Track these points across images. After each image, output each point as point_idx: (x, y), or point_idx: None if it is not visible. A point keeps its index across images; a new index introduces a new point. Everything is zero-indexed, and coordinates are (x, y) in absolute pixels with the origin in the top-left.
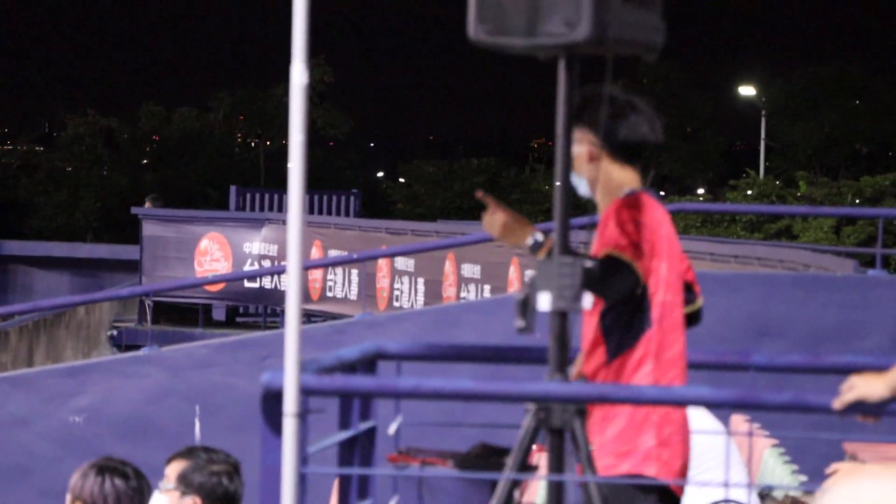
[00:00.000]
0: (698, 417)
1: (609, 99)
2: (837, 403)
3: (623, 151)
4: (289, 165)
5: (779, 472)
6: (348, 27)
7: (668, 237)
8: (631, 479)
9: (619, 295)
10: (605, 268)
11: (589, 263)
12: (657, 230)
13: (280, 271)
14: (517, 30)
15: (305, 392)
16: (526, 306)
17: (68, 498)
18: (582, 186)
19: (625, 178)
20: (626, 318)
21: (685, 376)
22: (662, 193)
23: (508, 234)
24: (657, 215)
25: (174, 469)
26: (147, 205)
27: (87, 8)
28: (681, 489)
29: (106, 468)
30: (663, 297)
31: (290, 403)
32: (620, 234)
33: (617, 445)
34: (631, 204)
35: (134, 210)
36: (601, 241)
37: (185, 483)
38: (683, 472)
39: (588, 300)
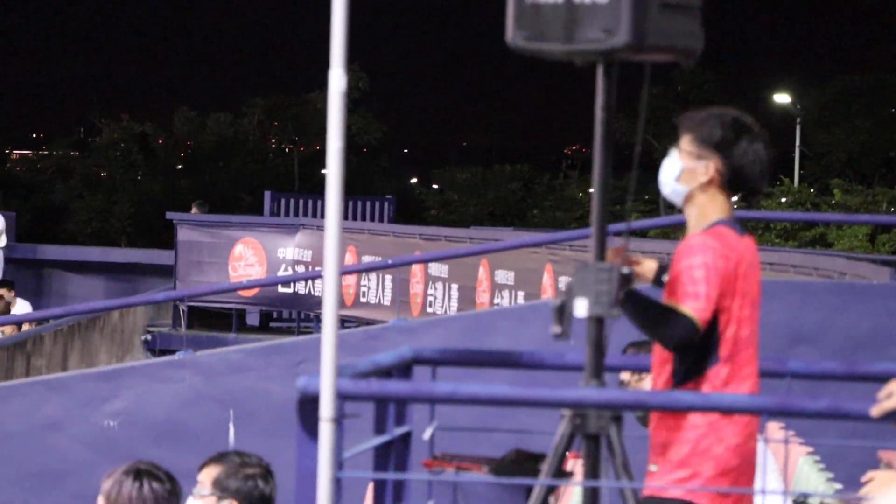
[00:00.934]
0: None
1: (746, 132)
2: (875, 411)
3: (739, 187)
4: (327, 171)
5: (814, 479)
6: (382, 34)
7: (744, 274)
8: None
9: (676, 343)
10: (665, 317)
11: (626, 270)
12: (736, 268)
13: (315, 276)
14: (555, 36)
15: (342, 397)
16: (562, 312)
17: (100, 501)
18: (675, 195)
19: (724, 206)
20: (693, 352)
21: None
22: None
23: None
24: (739, 250)
25: (208, 475)
26: (193, 210)
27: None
28: None
29: (142, 472)
30: (735, 333)
31: (326, 408)
32: (693, 282)
33: (677, 470)
34: (716, 239)
35: (169, 215)
36: (679, 271)
37: (221, 488)
38: None
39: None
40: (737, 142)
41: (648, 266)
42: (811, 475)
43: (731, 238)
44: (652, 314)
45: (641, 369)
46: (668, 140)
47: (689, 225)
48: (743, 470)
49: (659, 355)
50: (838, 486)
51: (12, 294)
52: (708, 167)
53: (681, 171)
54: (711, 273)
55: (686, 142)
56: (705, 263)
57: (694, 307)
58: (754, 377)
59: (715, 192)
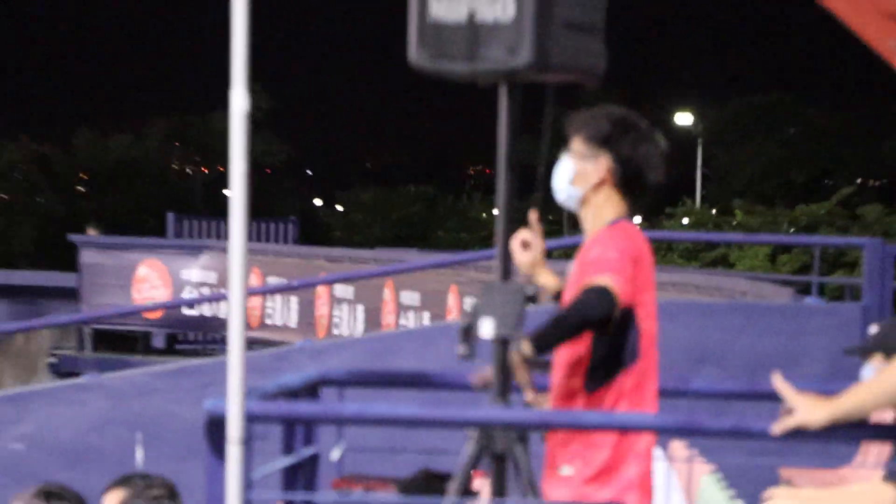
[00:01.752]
0: None
1: (634, 127)
2: (777, 429)
3: (633, 184)
4: (230, 192)
5: (717, 497)
6: (284, 54)
7: (650, 268)
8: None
9: (597, 318)
10: (587, 293)
11: (530, 290)
12: (643, 261)
13: (220, 298)
14: (458, 55)
15: (249, 418)
16: (468, 333)
17: None
18: (570, 200)
19: (620, 206)
20: (615, 348)
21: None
22: None
23: (530, 269)
24: (643, 246)
25: (112, 499)
26: (90, 233)
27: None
28: None
29: (52, 494)
30: (649, 328)
31: (234, 430)
32: (608, 262)
33: (600, 474)
34: (620, 233)
35: (71, 237)
36: (587, 264)
37: None
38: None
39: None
40: (625, 137)
41: (550, 279)
42: (714, 494)
43: (635, 232)
44: (568, 314)
45: (545, 389)
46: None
47: (587, 227)
48: (650, 471)
49: (566, 364)
50: (740, 503)
51: None
52: (599, 165)
53: (574, 174)
54: (626, 257)
55: (576, 142)
56: (618, 248)
57: (612, 279)
58: (657, 376)
59: (609, 192)
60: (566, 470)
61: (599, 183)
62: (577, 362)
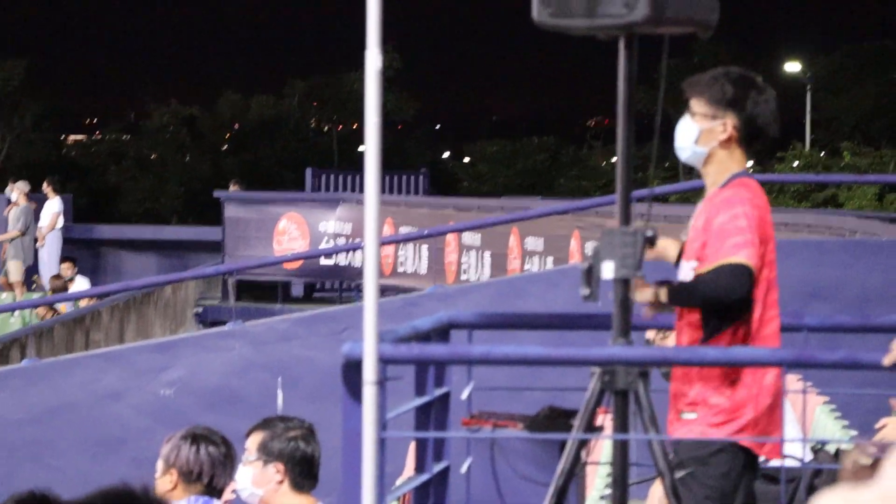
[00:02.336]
0: None
1: (754, 86)
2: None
3: (755, 139)
4: (365, 147)
5: (830, 427)
6: (413, 13)
7: (769, 220)
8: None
9: (735, 299)
10: (726, 275)
11: (649, 233)
12: (766, 214)
13: (355, 248)
14: (578, 12)
15: (384, 361)
16: (590, 275)
17: (160, 465)
18: (694, 157)
19: (741, 161)
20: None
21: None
22: None
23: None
24: (764, 201)
25: (254, 441)
26: (232, 188)
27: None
28: (761, 450)
29: (199, 437)
30: (768, 274)
31: (369, 372)
32: (740, 232)
33: (721, 415)
34: (744, 190)
35: (216, 193)
36: (718, 231)
37: (266, 452)
38: (776, 444)
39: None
40: (747, 96)
41: (670, 245)
42: (828, 423)
43: (755, 187)
44: (704, 283)
45: (666, 327)
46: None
47: (709, 183)
48: (775, 407)
49: (685, 314)
50: (853, 432)
51: (75, 270)
52: (725, 125)
53: (699, 133)
54: (752, 220)
55: (698, 105)
56: (745, 213)
57: (747, 255)
58: (779, 317)
59: (734, 148)
60: (688, 414)
61: (725, 141)
62: (693, 313)
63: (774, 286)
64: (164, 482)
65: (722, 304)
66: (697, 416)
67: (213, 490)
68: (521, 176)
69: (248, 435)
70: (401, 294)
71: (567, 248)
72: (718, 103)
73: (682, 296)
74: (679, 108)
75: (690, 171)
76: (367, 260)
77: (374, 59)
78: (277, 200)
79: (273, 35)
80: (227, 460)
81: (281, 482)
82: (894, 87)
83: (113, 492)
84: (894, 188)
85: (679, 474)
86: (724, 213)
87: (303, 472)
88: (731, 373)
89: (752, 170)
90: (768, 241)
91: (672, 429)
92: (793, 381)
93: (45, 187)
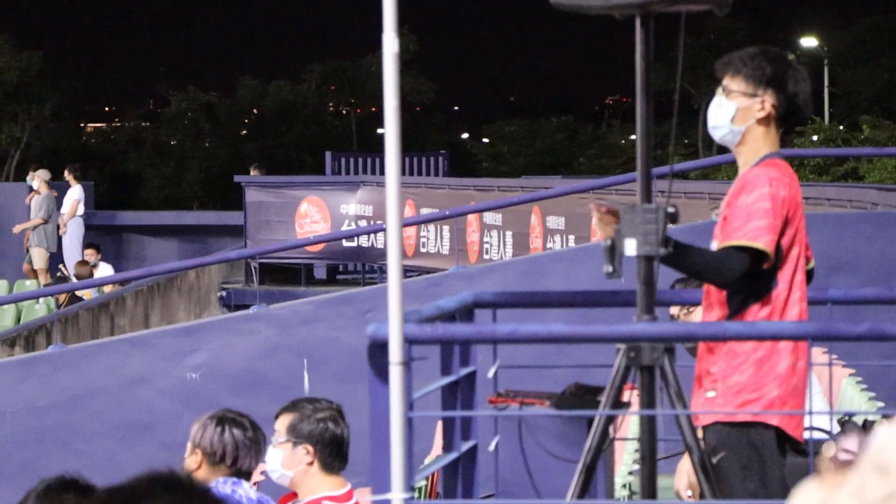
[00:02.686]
0: None
1: (791, 65)
2: None
3: (792, 119)
4: (385, 130)
5: (857, 399)
6: None
7: (799, 202)
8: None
9: (725, 281)
10: (728, 257)
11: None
12: (796, 195)
13: (377, 230)
14: None
15: (409, 341)
16: (613, 252)
17: (189, 447)
18: (731, 136)
19: (775, 140)
20: (759, 280)
21: None
22: None
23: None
24: (794, 178)
25: (283, 423)
26: (253, 173)
27: None
28: (793, 431)
29: (225, 419)
30: (796, 255)
31: (395, 352)
32: (761, 215)
33: (743, 394)
34: (774, 171)
35: (237, 178)
36: (740, 208)
37: (296, 434)
38: (801, 422)
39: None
40: (786, 75)
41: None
42: (854, 395)
43: (786, 167)
44: (707, 265)
45: (690, 303)
46: (703, 86)
47: (742, 161)
48: (800, 386)
49: (710, 292)
50: (880, 404)
51: (98, 256)
52: (764, 103)
53: (735, 112)
54: (777, 203)
55: (735, 83)
56: (771, 194)
57: (765, 241)
58: (806, 299)
59: (771, 127)
60: (711, 393)
61: (762, 119)
62: (720, 291)
63: (801, 268)
64: (190, 462)
65: (713, 282)
66: (718, 395)
67: (240, 472)
68: (541, 155)
69: (276, 417)
70: (424, 275)
71: (589, 227)
72: (757, 81)
73: (679, 258)
74: (696, 85)
75: (710, 148)
76: (390, 241)
77: (390, 43)
78: (298, 184)
79: (289, 20)
80: (254, 444)
81: (311, 463)
82: None
83: (160, 476)
84: None
85: (715, 459)
86: (751, 192)
87: (332, 452)
88: (752, 351)
89: None
90: (800, 219)
91: (695, 408)
92: (818, 353)
93: (67, 175)
